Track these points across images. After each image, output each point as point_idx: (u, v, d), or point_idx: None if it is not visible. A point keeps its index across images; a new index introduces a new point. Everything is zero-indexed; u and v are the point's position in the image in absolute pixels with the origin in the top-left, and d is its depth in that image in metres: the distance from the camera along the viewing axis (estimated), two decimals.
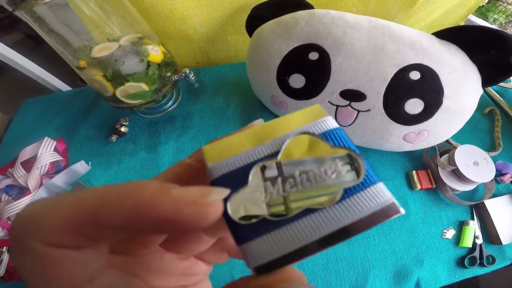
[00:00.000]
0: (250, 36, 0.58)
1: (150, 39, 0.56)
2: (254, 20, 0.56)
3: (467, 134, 0.50)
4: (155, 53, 0.55)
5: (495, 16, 1.09)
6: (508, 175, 0.59)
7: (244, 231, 0.12)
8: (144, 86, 0.55)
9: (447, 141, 0.62)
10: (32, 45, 1.84)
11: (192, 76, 0.57)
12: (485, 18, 1.08)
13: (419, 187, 0.58)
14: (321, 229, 0.12)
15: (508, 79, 0.71)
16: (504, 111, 0.69)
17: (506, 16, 1.08)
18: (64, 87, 0.80)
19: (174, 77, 0.56)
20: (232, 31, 0.74)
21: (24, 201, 0.55)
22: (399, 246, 0.55)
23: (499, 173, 0.60)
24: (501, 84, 0.71)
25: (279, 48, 0.51)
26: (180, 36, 0.71)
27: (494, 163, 0.57)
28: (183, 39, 0.73)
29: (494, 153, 0.62)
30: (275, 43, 0.51)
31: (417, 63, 0.45)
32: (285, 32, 0.50)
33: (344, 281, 0.52)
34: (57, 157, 0.60)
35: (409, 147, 0.54)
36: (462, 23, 0.83)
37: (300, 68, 0.50)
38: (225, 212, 0.12)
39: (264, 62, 0.53)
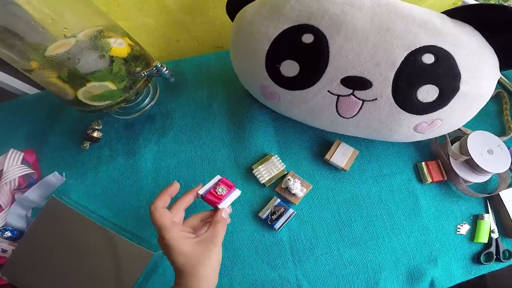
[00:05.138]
0: (232, 20, 0.51)
1: (112, 31, 0.48)
2: (236, 2, 0.49)
3: (475, 119, 0.46)
4: (119, 46, 0.48)
5: (492, 1, 1.04)
6: None
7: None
8: (111, 85, 0.48)
9: None
10: None
11: (166, 70, 0.50)
12: None
13: (429, 180, 0.53)
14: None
15: None
16: (511, 94, 0.64)
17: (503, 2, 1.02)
18: (31, 89, 0.70)
19: (145, 72, 0.48)
20: (212, 4, 0.67)
21: None
22: (411, 245, 0.51)
23: None
24: None
25: (267, 31, 0.44)
26: (157, 7, 0.64)
27: (508, 149, 0.52)
28: (161, 12, 0.66)
29: (504, 138, 0.57)
30: (261, 25, 0.44)
31: (431, 45, 0.39)
32: (273, 12, 0.43)
33: (354, 286, 0.49)
34: (27, 170, 0.55)
35: (419, 138, 0.48)
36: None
37: (292, 53, 0.43)
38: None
39: (250, 48, 0.46)
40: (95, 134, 0.58)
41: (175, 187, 0.41)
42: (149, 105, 0.62)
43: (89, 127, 0.59)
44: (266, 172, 0.54)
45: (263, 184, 0.54)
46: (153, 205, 0.38)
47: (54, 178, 0.55)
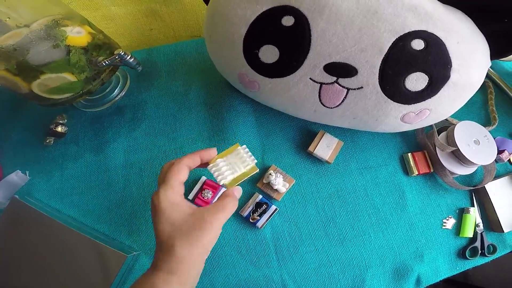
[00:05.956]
0: (207, 3, 0.47)
1: (69, 19, 0.44)
2: None
3: (460, 109, 0.45)
4: (77, 35, 0.44)
5: None
6: (507, 153, 0.54)
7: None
8: (69, 77, 0.44)
9: None
10: None
11: (130, 58, 0.45)
12: None
13: (416, 172, 0.52)
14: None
15: None
16: (496, 83, 0.63)
17: None
18: None
19: (106, 61, 0.44)
20: None
21: None
22: (397, 241, 0.50)
23: (498, 151, 0.54)
24: None
25: (244, 14, 0.40)
26: None
27: (494, 139, 0.51)
28: (130, 1, 0.63)
29: (489, 128, 0.56)
30: (238, 8, 0.40)
31: (421, 30, 0.36)
32: None
33: (340, 284, 0.48)
34: None
35: (406, 128, 0.46)
36: None
37: (272, 38, 0.40)
38: None
39: (227, 33, 0.43)
40: (60, 129, 0.53)
41: (213, 152, 0.36)
42: (119, 96, 0.57)
43: (52, 121, 0.54)
44: (228, 169, 0.37)
45: (223, 185, 0.37)
46: (180, 159, 0.34)
47: (17, 177, 0.51)
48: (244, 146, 0.39)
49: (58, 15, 0.43)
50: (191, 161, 0.34)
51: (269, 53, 0.40)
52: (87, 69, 0.45)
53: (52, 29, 0.41)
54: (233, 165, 0.38)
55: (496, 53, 0.41)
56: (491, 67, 0.64)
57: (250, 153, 0.39)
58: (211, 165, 0.38)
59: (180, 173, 0.32)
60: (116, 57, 0.44)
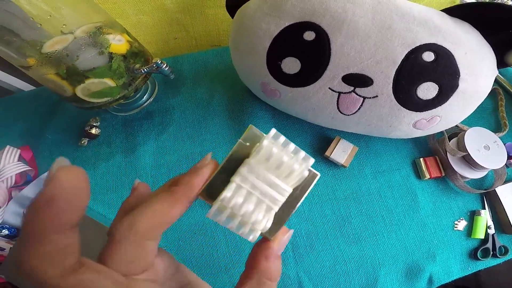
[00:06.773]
0: (232, 17, 0.51)
1: (111, 27, 0.48)
2: None
3: (471, 115, 0.47)
4: (118, 43, 0.47)
5: None
6: None
7: None
8: (110, 82, 0.47)
9: None
10: None
11: (166, 67, 0.49)
12: None
13: (427, 176, 0.54)
14: None
15: None
16: (506, 90, 0.65)
17: None
18: (26, 86, 0.69)
19: (144, 69, 0.48)
20: (211, 4, 0.67)
21: None
22: (409, 241, 0.52)
23: (508, 156, 0.56)
24: None
25: (268, 28, 0.44)
26: (154, 5, 0.64)
27: (504, 145, 0.53)
28: (158, 10, 0.66)
29: (500, 134, 0.58)
30: (263, 22, 0.44)
31: (431, 43, 0.39)
32: (274, 9, 0.43)
33: (354, 282, 0.50)
34: (24, 167, 0.54)
35: (418, 134, 0.49)
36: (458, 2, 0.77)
37: (294, 51, 0.43)
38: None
39: (251, 45, 0.46)
40: (93, 131, 0.57)
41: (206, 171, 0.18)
42: (148, 101, 0.61)
43: (87, 123, 0.58)
44: (256, 201, 0.18)
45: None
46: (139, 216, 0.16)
47: None
48: (273, 131, 0.19)
49: (99, 23, 0.46)
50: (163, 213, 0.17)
51: (291, 65, 0.44)
52: (125, 75, 0.49)
53: (98, 37, 0.45)
54: (263, 186, 0.18)
55: (502, 62, 0.43)
56: (501, 74, 0.66)
57: (292, 145, 0.19)
58: (215, 206, 0.18)
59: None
60: (154, 65, 0.48)
